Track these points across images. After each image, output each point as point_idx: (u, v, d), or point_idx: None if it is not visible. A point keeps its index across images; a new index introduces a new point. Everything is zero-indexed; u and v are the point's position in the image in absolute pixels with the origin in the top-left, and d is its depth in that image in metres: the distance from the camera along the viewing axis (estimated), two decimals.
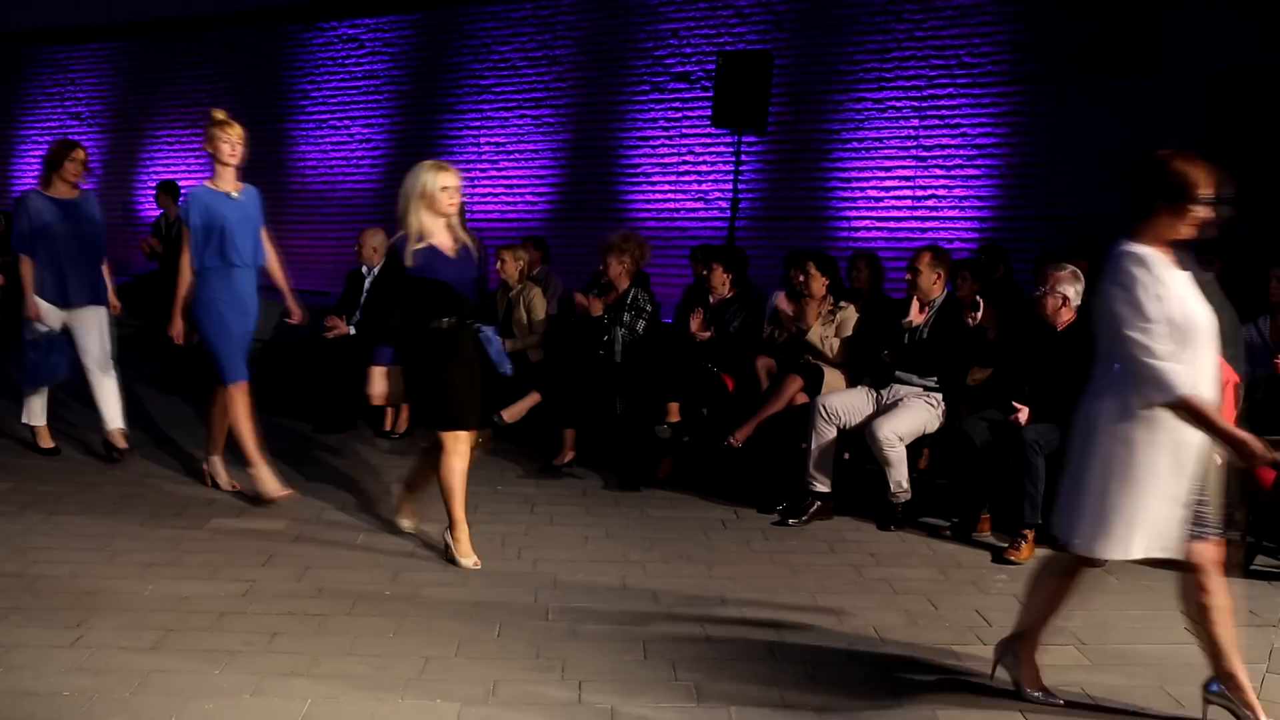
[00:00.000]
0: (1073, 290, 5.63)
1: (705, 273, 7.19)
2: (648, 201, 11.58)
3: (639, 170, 11.67)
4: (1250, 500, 5.31)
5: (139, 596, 4.38)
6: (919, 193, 10.30)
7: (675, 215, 11.40)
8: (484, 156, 12.56)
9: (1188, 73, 9.16)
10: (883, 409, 6.01)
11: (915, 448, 6.08)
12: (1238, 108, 8.95)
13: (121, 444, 6.57)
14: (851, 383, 6.33)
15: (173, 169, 14.10)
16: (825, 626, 4.34)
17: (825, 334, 6.44)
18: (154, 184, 12.87)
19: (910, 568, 5.20)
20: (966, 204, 10.10)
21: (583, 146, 12.00)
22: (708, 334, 6.79)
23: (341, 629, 4.12)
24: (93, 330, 6.54)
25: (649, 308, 7.06)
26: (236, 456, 5.95)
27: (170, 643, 3.92)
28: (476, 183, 12.55)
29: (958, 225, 10.09)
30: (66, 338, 6.51)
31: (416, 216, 4.83)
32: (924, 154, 10.29)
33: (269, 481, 5.80)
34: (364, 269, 8.00)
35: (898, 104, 10.42)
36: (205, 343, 5.80)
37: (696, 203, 11.34)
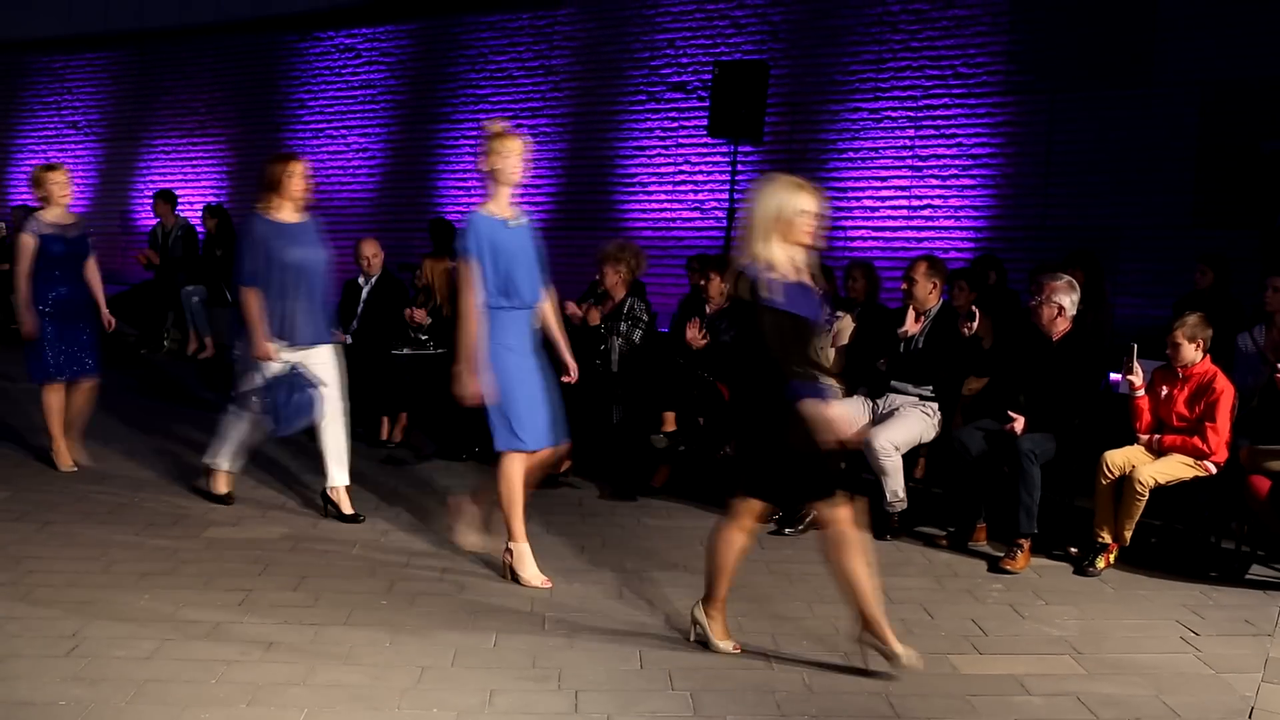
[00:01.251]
0: (1068, 300, 5.64)
1: (702, 282, 7.19)
2: (644, 211, 11.60)
3: (635, 180, 11.69)
4: (1245, 510, 5.33)
5: (135, 606, 4.37)
6: (914, 202, 10.32)
7: (671, 225, 11.42)
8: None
9: (1181, 84, 9.20)
10: (879, 419, 6.02)
11: (911, 457, 6.08)
12: (1231, 119, 8.98)
13: (348, 507, 5.73)
14: (847, 392, 6.34)
15: (169, 178, 14.11)
16: (821, 636, 4.34)
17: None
18: (150, 193, 12.89)
19: (906, 577, 5.21)
20: (962, 214, 10.12)
21: (579, 156, 12.02)
22: (704, 342, 6.79)
23: (338, 638, 4.12)
24: (327, 373, 5.72)
25: (645, 317, 7.06)
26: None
27: (166, 652, 3.91)
28: (472, 192, 12.55)
29: (953, 235, 10.12)
30: (300, 375, 5.61)
31: (766, 244, 3.99)
32: (919, 164, 10.32)
33: (529, 568, 4.86)
34: (361, 279, 8.00)
35: (893, 114, 10.45)
36: (490, 402, 4.76)
37: (693, 212, 11.36)
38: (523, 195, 5.09)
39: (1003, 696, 3.81)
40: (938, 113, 10.26)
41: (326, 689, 3.67)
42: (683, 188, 11.44)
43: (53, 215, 6.45)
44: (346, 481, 5.77)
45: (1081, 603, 4.89)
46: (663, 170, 11.57)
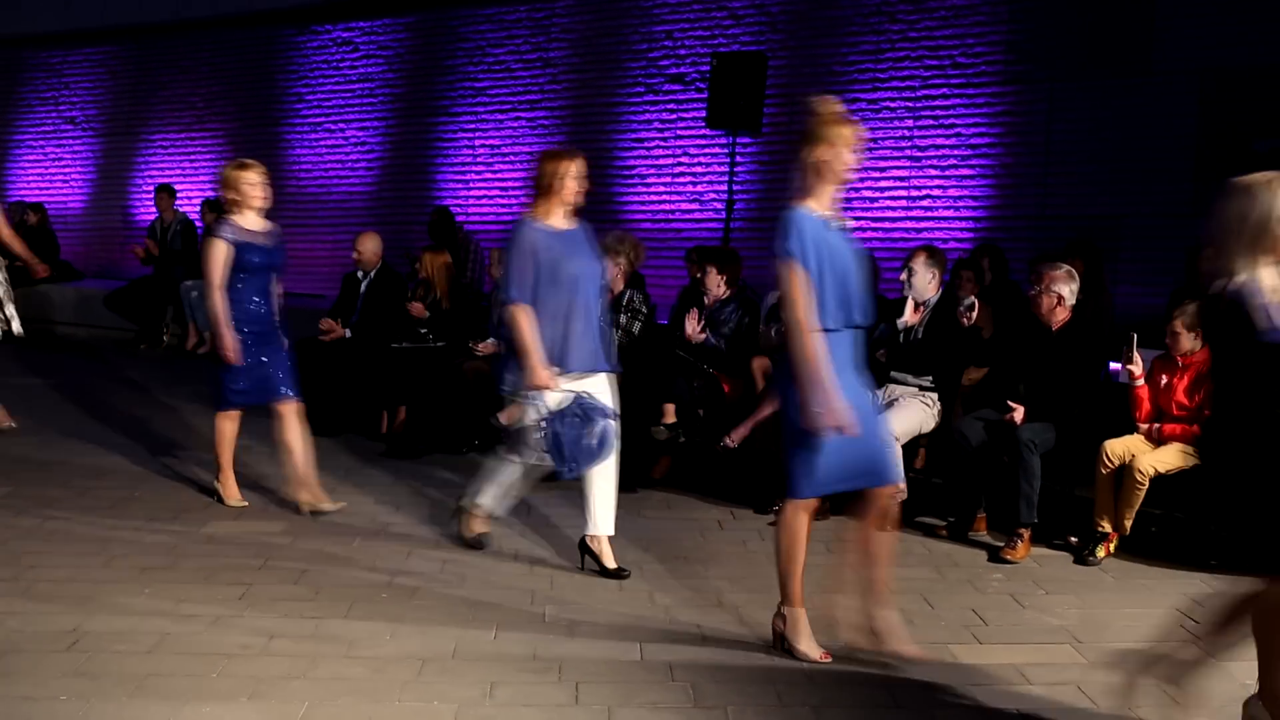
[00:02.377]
0: (1068, 289, 5.64)
1: (700, 275, 7.19)
2: (643, 203, 11.59)
3: (634, 172, 11.68)
4: None
5: (135, 601, 4.38)
6: (914, 193, 10.30)
7: (670, 217, 11.40)
8: (478, 159, 12.56)
9: (1181, 72, 9.18)
10: (878, 409, 6.01)
11: (911, 447, 6.09)
12: (1231, 107, 8.97)
13: (610, 560, 4.93)
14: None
15: (167, 173, 14.09)
16: (823, 626, 4.33)
17: None
18: (149, 188, 12.89)
19: (906, 567, 5.20)
20: (961, 204, 10.11)
21: (577, 148, 12.00)
22: (703, 335, 6.79)
23: (338, 632, 4.12)
24: (609, 405, 4.92)
25: (644, 309, 7.06)
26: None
27: (167, 646, 3.92)
28: (471, 185, 12.55)
29: (952, 225, 10.10)
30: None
31: (1253, 261, 3.21)
32: (918, 154, 10.30)
33: (805, 639, 4.07)
34: (359, 273, 8.00)
35: (892, 104, 10.43)
36: (789, 445, 3.99)
37: (691, 204, 11.34)
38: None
39: (1003, 686, 3.81)
40: (936, 103, 10.24)
41: (327, 682, 3.67)
42: (681, 179, 11.43)
43: (248, 221, 5.82)
44: (611, 531, 4.95)
45: (1082, 592, 4.90)
46: (661, 162, 11.55)
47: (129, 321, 11.62)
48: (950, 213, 10.14)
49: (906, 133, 10.35)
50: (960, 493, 5.80)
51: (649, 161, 11.61)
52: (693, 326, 6.80)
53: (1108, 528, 5.36)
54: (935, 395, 6.02)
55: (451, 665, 3.86)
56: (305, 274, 11.33)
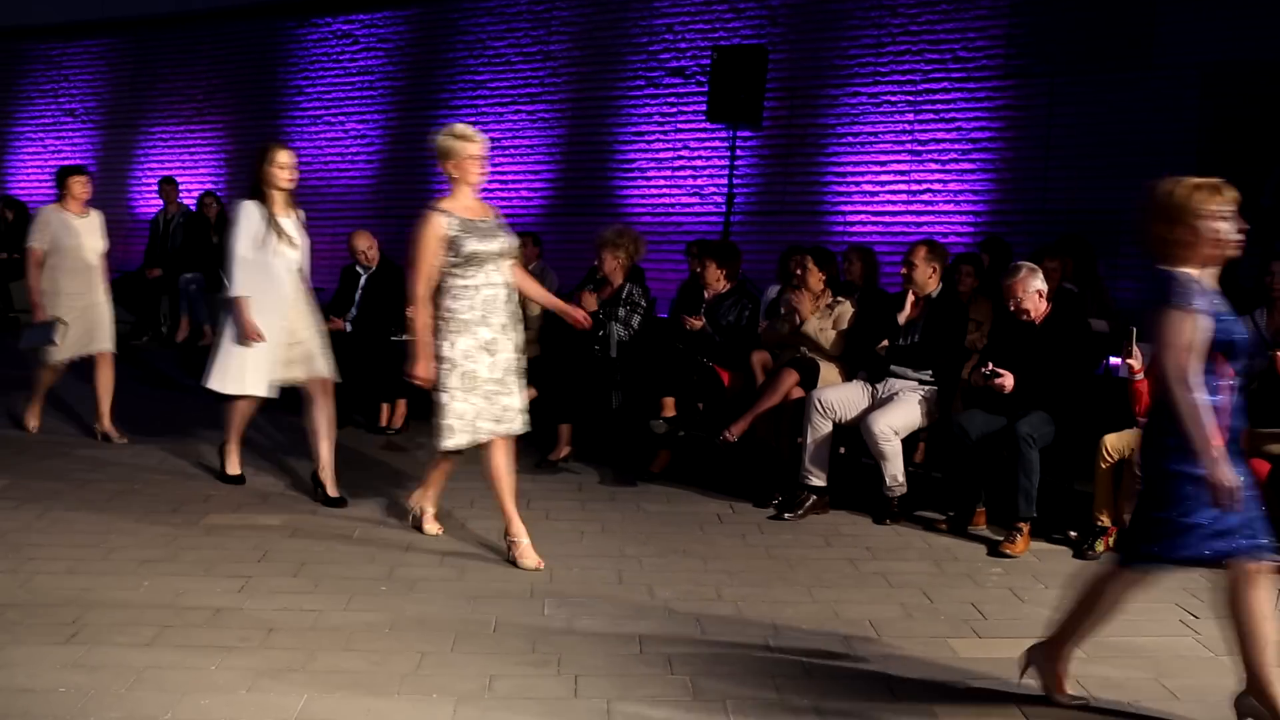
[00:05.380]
0: (1035, 285, 5.62)
1: (700, 269, 7.19)
2: (643, 196, 11.57)
3: (634, 165, 11.66)
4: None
5: (134, 593, 4.38)
6: (914, 187, 10.29)
7: (670, 210, 11.39)
8: None
9: (1181, 66, 9.16)
10: (878, 403, 6.02)
11: (911, 441, 6.09)
12: (1231, 101, 8.95)
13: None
14: (847, 377, 6.34)
15: (167, 165, 14.06)
16: (821, 620, 4.34)
17: (822, 326, 6.45)
18: (148, 180, 12.88)
19: (906, 561, 5.21)
20: (961, 198, 10.10)
21: (578, 142, 11.99)
22: (700, 322, 6.79)
23: (337, 624, 4.12)
24: None
25: (644, 303, 7.06)
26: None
27: (166, 639, 3.92)
28: None
29: (953, 219, 10.09)
30: None
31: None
32: (919, 148, 10.28)
33: None
34: (358, 267, 8.00)
35: (892, 98, 10.42)
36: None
37: (692, 198, 11.33)
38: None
39: (1003, 680, 3.81)
40: (937, 97, 10.22)
41: (326, 675, 3.67)
42: (681, 173, 11.41)
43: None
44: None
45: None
46: (661, 156, 11.53)
47: (127, 313, 11.61)
48: (950, 207, 10.13)
49: (907, 127, 10.34)
50: (960, 487, 5.80)
51: (649, 155, 11.59)
52: (693, 320, 6.80)
53: (1107, 522, 5.36)
54: (935, 389, 6.02)
55: (451, 658, 3.86)
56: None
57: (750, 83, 9.40)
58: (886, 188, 10.39)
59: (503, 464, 4.96)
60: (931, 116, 10.24)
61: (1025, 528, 5.39)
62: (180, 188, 12.25)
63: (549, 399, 6.88)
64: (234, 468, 6.13)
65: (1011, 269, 5.76)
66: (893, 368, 6.09)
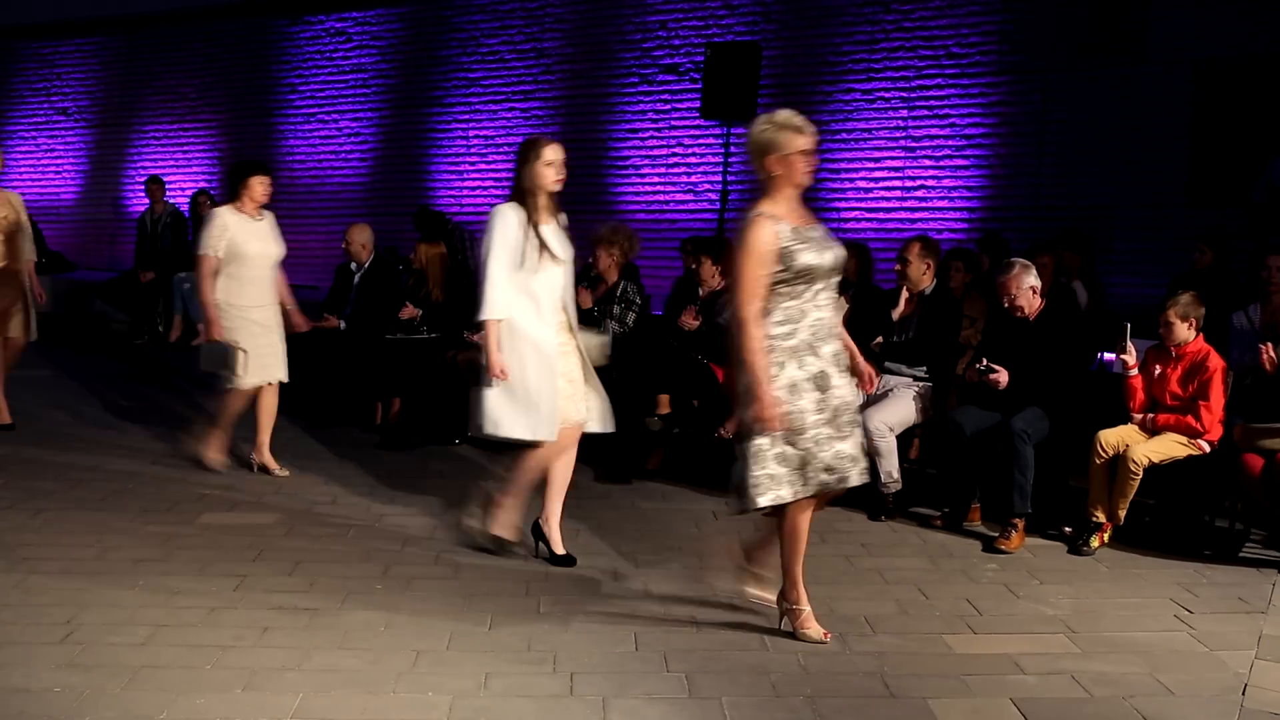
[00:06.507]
0: (1029, 281, 5.62)
1: (695, 265, 7.18)
2: (637, 194, 11.57)
3: (628, 162, 11.66)
4: (1238, 489, 5.34)
5: (129, 592, 4.37)
6: (908, 183, 10.30)
7: (664, 207, 11.39)
8: (472, 150, 12.53)
9: (1176, 61, 9.18)
10: (872, 399, 6.01)
11: (905, 438, 6.09)
12: (1226, 96, 8.97)
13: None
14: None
15: (160, 164, 14.04)
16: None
17: None
18: (141, 179, 12.84)
19: (901, 557, 5.21)
20: (956, 194, 10.11)
21: (571, 139, 11.93)
22: (696, 322, 6.79)
23: (333, 623, 4.12)
24: None
25: (638, 300, 7.05)
26: None
27: (161, 638, 3.91)
28: (465, 176, 12.52)
29: (947, 216, 10.11)
30: None
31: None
32: (913, 145, 10.30)
33: None
34: (352, 265, 7.98)
35: (886, 95, 10.42)
36: None
37: (686, 194, 11.33)
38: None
39: (997, 675, 3.82)
40: (931, 93, 10.23)
41: (322, 673, 3.67)
42: (675, 170, 11.41)
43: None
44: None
45: (1076, 582, 4.90)
46: (655, 153, 11.53)
47: (121, 313, 11.60)
48: (945, 203, 10.14)
49: (901, 123, 10.35)
50: (955, 483, 5.80)
51: (643, 152, 11.59)
52: (687, 317, 6.79)
53: (1102, 518, 5.36)
54: (929, 386, 6.02)
55: (446, 656, 3.85)
56: (298, 265, 11.28)
57: (744, 79, 9.41)
58: (880, 184, 10.40)
59: (806, 525, 4.19)
60: (925, 113, 10.25)
61: (1020, 523, 5.39)
62: (168, 187, 12.22)
63: None
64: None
65: (1005, 265, 5.77)
66: (887, 364, 6.09)
